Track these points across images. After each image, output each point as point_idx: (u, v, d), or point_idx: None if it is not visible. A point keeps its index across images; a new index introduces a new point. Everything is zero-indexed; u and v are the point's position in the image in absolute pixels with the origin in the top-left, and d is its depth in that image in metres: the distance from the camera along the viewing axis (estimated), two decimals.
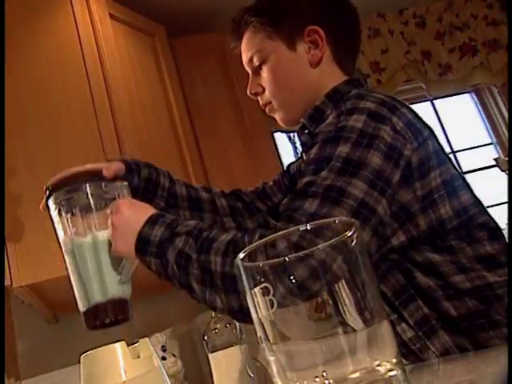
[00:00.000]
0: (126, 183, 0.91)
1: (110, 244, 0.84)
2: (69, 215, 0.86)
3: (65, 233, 0.86)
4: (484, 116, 2.78)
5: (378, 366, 0.38)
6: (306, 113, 0.95)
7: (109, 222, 0.85)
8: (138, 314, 1.94)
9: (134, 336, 0.92)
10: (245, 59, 1.03)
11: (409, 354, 0.84)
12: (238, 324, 1.51)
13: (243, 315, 0.72)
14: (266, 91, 1.00)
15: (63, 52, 1.71)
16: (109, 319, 0.84)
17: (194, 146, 1.98)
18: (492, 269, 0.80)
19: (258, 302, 0.40)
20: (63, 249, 0.87)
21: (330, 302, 0.39)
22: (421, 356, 0.83)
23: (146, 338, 0.86)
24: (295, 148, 3.67)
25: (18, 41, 1.69)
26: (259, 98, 1.04)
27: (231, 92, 2.13)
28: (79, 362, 0.81)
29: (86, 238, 0.84)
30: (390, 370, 0.38)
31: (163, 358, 1.79)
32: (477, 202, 0.85)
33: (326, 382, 0.37)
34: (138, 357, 0.83)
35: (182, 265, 0.77)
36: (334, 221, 0.42)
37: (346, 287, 0.39)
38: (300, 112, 0.98)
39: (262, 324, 0.40)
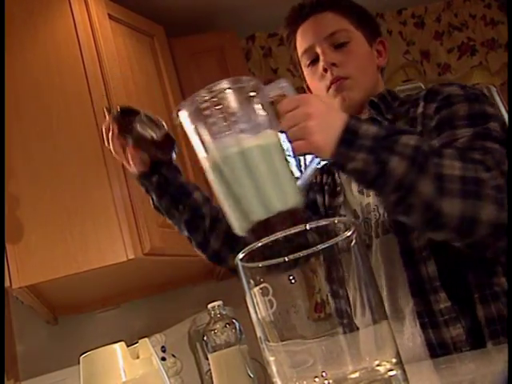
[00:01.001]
0: (289, 83, 0.78)
1: (281, 148, 0.74)
2: (223, 115, 0.71)
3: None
4: None
5: (378, 365, 0.38)
6: (376, 95, 1.06)
7: (298, 115, 0.78)
8: (138, 314, 1.94)
9: (134, 337, 0.92)
10: (324, 32, 1.05)
11: (430, 325, 0.87)
12: (237, 324, 1.51)
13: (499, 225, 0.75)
14: (349, 67, 1.04)
15: (62, 53, 1.71)
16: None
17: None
18: None
19: (257, 303, 0.40)
20: (221, 161, 0.72)
21: (330, 302, 0.39)
22: (442, 328, 0.86)
23: (146, 339, 0.86)
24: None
25: (17, 42, 1.69)
26: (332, 71, 1.04)
27: None
28: (79, 363, 0.80)
29: (256, 141, 0.72)
30: (390, 370, 0.38)
31: (163, 359, 1.79)
32: None
33: (326, 381, 0.37)
34: (138, 357, 0.83)
35: (419, 161, 0.73)
36: (334, 221, 0.42)
37: (345, 287, 0.39)
38: (361, 100, 1.05)
39: (261, 324, 0.40)
